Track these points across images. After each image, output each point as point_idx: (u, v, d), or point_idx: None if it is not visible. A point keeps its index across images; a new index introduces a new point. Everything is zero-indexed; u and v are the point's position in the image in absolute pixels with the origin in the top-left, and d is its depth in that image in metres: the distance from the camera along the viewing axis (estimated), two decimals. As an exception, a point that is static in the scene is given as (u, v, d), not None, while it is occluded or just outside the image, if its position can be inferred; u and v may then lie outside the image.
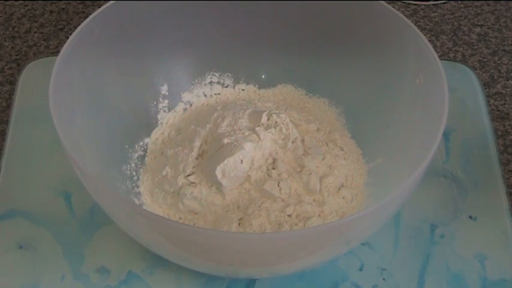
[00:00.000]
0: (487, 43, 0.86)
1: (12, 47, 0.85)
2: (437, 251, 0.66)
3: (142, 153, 0.69)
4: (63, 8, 0.89)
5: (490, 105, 0.78)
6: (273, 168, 0.65)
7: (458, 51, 0.86)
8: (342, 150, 0.68)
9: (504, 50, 0.86)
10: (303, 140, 0.67)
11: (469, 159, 0.72)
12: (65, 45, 0.62)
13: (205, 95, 0.74)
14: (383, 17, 0.66)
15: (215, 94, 0.74)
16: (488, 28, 0.88)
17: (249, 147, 0.64)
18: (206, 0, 0.70)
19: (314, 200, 0.64)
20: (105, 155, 0.66)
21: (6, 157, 0.71)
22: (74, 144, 0.59)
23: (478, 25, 0.88)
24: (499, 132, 0.77)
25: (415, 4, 0.90)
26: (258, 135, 0.65)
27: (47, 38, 0.86)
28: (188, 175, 0.65)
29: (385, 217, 0.60)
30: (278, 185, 0.63)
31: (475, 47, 0.86)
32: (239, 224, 0.62)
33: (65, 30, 0.87)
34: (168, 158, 0.67)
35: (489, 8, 0.90)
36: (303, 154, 0.66)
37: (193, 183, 0.65)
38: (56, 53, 0.82)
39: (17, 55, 0.84)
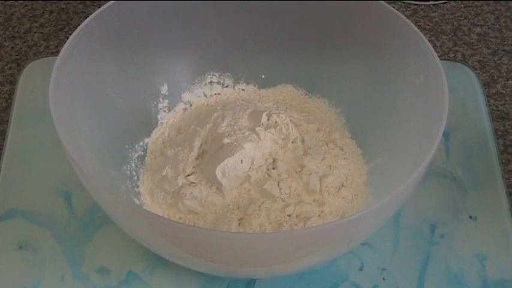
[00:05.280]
0: (487, 43, 0.86)
1: (12, 47, 0.85)
2: (437, 251, 0.66)
3: (142, 153, 0.69)
4: (63, 8, 0.89)
5: (490, 105, 0.78)
6: (273, 168, 0.65)
7: (458, 51, 0.86)
8: (342, 150, 0.68)
9: (504, 50, 0.86)
10: (303, 140, 0.67)
11: (469, 159, 0.72)
12: (65, 45, 0.62)
13: (205, 95, 0.74)
14: (383, 17, 0.66)
15: (215, 94, 0.74)
16: (488, 28, 0.88)
17: (249, 147, 0.64)
18: (206, 0, 0.70)
19: (314, 200, 0.64)
20: (105, 155, 0.66)
21: (6, 157, 0.71)
22: (74, 144, 0.59)
23: (478, 25, 0.88)
24: (499, 132, 0.77)
25: (415, 4, 0.90)
26: (258, 135, 0.65)
27: (47, 38, 0.86)
28: (188, 175, 0.65)
29: (385, 217, 0.60)
30: (278, 185, 0.63)
31: (475, 47, 0.86)
32: (239, 224, 0.62)
33: (65, 30, 0.87)
34: (168, 158, 0.67)
35: (489, 8, 0.90)
36: (303, 154, 0.66)
37: (193, 183, 0.65)
38: (56, 53, 0.82)
39: (17, 55, 0.84)
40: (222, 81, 0.74)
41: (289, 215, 0.62)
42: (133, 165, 0.68)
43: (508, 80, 0.83)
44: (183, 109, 0.73)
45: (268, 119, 0.66)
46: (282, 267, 0.60)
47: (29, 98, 0.76)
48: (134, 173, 0.68)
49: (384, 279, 0.64)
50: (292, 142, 0.66)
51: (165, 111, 0.72)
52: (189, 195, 0.64)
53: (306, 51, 0.71)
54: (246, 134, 0.65)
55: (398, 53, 0.66)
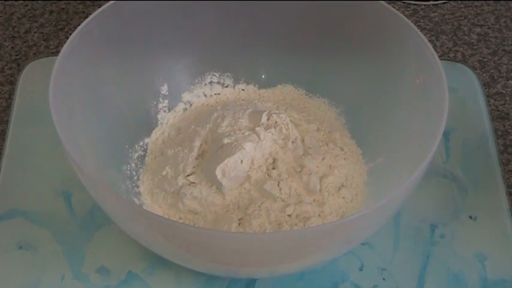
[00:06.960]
0: (487, 43, 0.86)
1: (12, 47, 0.85)
2: (437, 251, 0.66)
3: (142, 153, 0.69)
4: (63, 8, 0.89)
5: (490, 105, 0.78)
6: (273, 168, 0.65)
7: (458, 51, 0.86)
8: (342, 150, 0.68)
9: (504, 50, 0.86)
10: (303, 140, 0.67)
11: (469, 159, 0.72)
12: (65, 45, 0.62)
13: (205, 95, 0.74)
14: (383, 17, 0.66)
15: (215, 94, 0.74)
16: (488, 28, 0.88)
17: (249, 147, 0.64)
18: (206, 0, 0.70)
19: (314, 200, 0.64)
20: (105, 155, 0.66)
21: (6, 157, 0.71)
22: (74, 144, 0.59)
23: (478, 25, 0.88)
24: (499, 132, 0.77)
25: (415, 4, 0.90)
26: (258, 135, 0.65)
27: (47, 38, 0.86)
28: (188, 175, 0.65)
29: (385, 217, 0.60)
30: (278, 185, 0.63)
31: (475, 47, 0.86)
32: (239, 224, 0.62)
33: (65, 30, 0.87)
34: (168, 158, 0.67)
35: (489, 8, 0.90)
36: (303, 154, 0.66)
37: (193, 183, 0.65)
38: (56, 53, 0.82)
39: (17, 55, 0.85)
40: (222, 81, 0.74)
41: (289, 215, 0.62)
42: (133, 165, 0.68)
43: (508, 80, 0.83)
44: (183, 109, 0.73)
45: (268, 119, 0.66)
46: (282, 267, 0.60)
47: (29, 98, 0.76)
48: (134, 173, 0.68)
49: (384, 279, 0.64)
50: (292, 142, 0.66)
51: (165, 111, 0.72)
52: (189, 195, 0.64)
53: (306, 51, 0.71)
54: (246, 134, 0.65)
55: (398, 53, 0.66)
